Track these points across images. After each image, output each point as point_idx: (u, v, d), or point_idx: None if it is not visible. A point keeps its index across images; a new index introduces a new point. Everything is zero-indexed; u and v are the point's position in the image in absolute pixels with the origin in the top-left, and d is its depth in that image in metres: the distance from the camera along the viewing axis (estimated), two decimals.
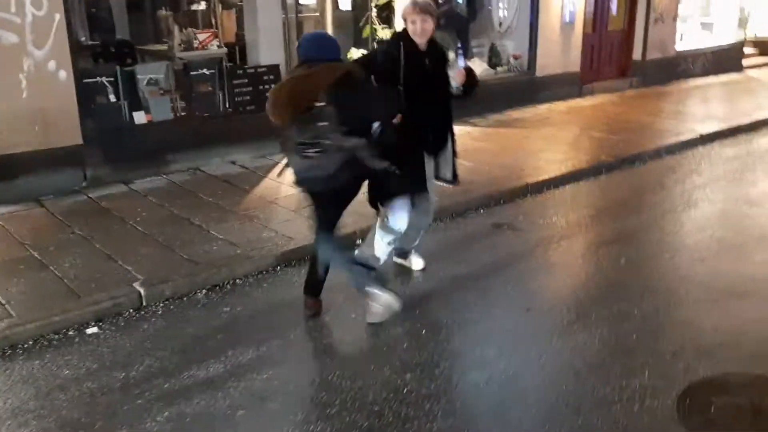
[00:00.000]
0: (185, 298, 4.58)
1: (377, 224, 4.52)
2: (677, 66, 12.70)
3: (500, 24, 10.77)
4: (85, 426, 3.30)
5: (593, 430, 3.25)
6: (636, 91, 11.76)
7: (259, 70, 7.38)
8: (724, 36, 13.82)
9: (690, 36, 13.28)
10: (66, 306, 4.30)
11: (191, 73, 7.26)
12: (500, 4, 10.82)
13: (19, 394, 3.55)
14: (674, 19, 12.47)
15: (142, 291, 4.50)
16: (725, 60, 13.63)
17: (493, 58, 10.66)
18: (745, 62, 14.20)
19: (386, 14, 9.48)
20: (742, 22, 14.20)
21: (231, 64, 7.85)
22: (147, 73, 7.05)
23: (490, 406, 3.45)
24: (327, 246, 4.11)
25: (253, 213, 5.85)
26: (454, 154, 4.55)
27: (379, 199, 4.42)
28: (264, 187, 6.55)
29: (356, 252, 4.64)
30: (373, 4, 9.32)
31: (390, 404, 3.43)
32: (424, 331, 4.18)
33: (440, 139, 4.48)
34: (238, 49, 8.11)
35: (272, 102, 3.76)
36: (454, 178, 4.60)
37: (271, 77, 7.34)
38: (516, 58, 10.68)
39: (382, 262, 4.49)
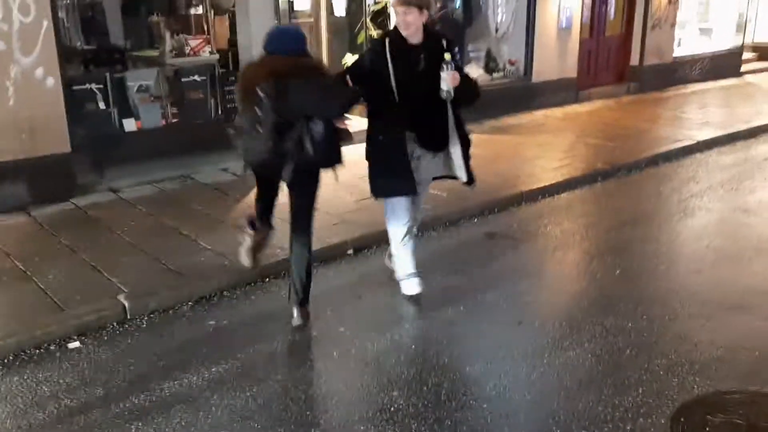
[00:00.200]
0: (170, 311, 4.49)
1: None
2: (675, 71, 12.64)
3: (496, 29, 10.70)
4: None
5: None
6: (633, 97, 11.70)
7: None
8: (722, 41, 13.77)
9: (688, 41, 13.22)
10: (48, 319, 4.21)
11: (183, 79, 7.19)
12: (497, 9, 10.76)
13: None
14: (672, 24, 12.42)
15: (126, 304, 4.41)
16: (724, 65, 13.58)
17: (489, 64, 10.59)
18: (744, 67, 14.15)
19: (381, 20, 9.41)
20: (741, 28, 14.14)
21: (224, 70, 7.77)
22: (137, 79, 6.98)
23: (478, 425, 3.35)
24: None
25: (243, 222, 5.74)
26: (466, 154, 4.42)
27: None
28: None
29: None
30: (369, 10, 9.25)
31: (375, 423, 3.34)
32: (413, 346, 4.10)
33: (438, 138, 4.32)
34: (230, 55, 8.03)
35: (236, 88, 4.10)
36: (470, 180, 4.48)
37: None
38: (512, 63, 10.62)
39: (397, 257, 4.60)
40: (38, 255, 5.08)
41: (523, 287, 4.87)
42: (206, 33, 7.90)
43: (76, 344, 4.10)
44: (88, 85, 6.52)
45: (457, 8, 10.32)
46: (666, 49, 12.42)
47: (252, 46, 7.37)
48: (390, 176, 4.27)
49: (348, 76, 4.23)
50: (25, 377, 3.76)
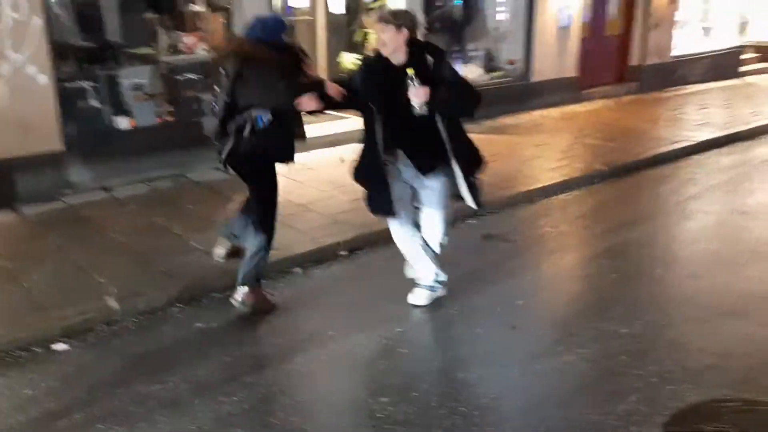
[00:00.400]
0: (159, 312, 4.43)
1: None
2: (675, 71, 12.55)
3: (496, 28, 10.63)
4: None
5: None
6: (633, 97, 11.61)
7: None
8: (723, 41, 13.67)
9: (688, 41, 13.12)
10: (33, 321, 4.15)
11: (177, 77, 7.11)
12: (496, 8, 10.68)
13: None
14: (672, 24, 12.33)
15: (114, 305, 4.35)
16: (724, 65, 13.47)
17: (488, 63, 10.52)
18: (745, 68, 14.04)
19: None
20: (742, 27, 14.04)
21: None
22: (131, 77, 6.90)
23: None
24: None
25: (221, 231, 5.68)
26: (467, 177, 4.11)
27: None
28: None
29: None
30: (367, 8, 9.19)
31: (363, 430, 3.28)
32: (404, 350, 4.03)
33: (426, 158, 4.08)
34: None
35: None
36: (477, 203, 4.21)
37: None
38: (511, 63, 10.53)
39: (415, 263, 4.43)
40: (25, 254, 5.03)
41: (518, 290, 4.80)
42: (201, 30, 7.81)
43: (61, 346, 4.04)
44: (80, 83, 6.45)
45: (456, 5, 10.25)
46: (666, 48, 12.33)
47: None
48: (371, 193, 4.23)
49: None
50: (9, 379, 3.71)
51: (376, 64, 4.03)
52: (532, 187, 6.90)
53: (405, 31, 3.84)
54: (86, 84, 6.50)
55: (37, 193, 6.02)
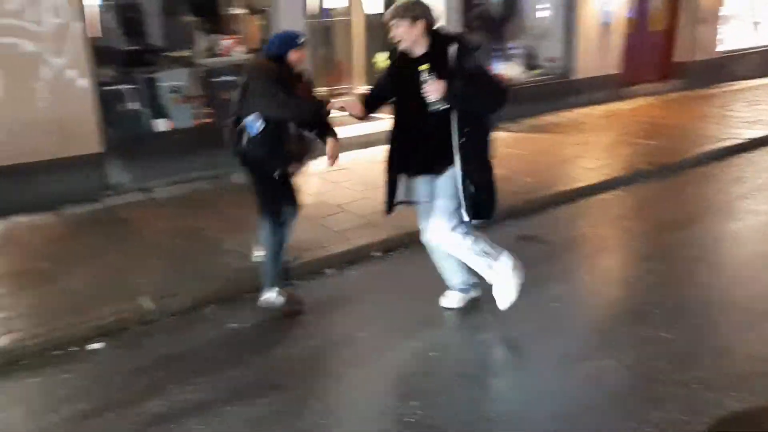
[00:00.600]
0: (193, 313, 4.46)
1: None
2: (722, 67, 12.17)
3: (536, 25, 10.47)
4: None
5: None
6: (678, 94, 11.31)
7: None
8: None
9: (736, 36, 12.72)
10: (70, 320, 4.21)
11: (214, 79, 7.17)
12: (536, 5, 10.52)
13: (13, 414, 3.46)
14: (718, 18, 11.96)
15: (149, 305, 4.39)
16: None
17: (529, 61, 10.37)
18: None
19: None
20: None
21: None
22: (169, 80, 7.00)
23: None
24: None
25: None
26: (467, 181, 3.83)
27: None
28: None
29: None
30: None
31: None
32: (434, 353, 3.95)
33: (427, 160, 3.92)
34: None
35: None
36: (474, 214, 3.90)
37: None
38: (552, 60, 10.36)
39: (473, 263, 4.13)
40: (64, 255, 5.11)
41: (554, 293, 4.67)
42: (239, 33, 7.87)
43: (97, 345, 4.09)
44: (120, 86, 6.56)
45: (496, 2, 10.12)
46: (712, 44, 11.97)
47: None
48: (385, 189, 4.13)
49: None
50: (45, 379, 3.76)
51: (397, 59, 3.96)
52: (571, 187, 6.76)
53: (420, 23, 3.71)
54: (125, 87, 6.60)
55: (78, 194, 6.14)
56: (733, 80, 12.27)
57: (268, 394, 3.57)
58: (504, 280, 4.07)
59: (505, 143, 8.13)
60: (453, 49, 3.68)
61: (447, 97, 3.65)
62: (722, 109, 10.37)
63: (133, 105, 6.67)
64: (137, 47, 6.88)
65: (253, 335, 4.23)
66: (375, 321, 4.34)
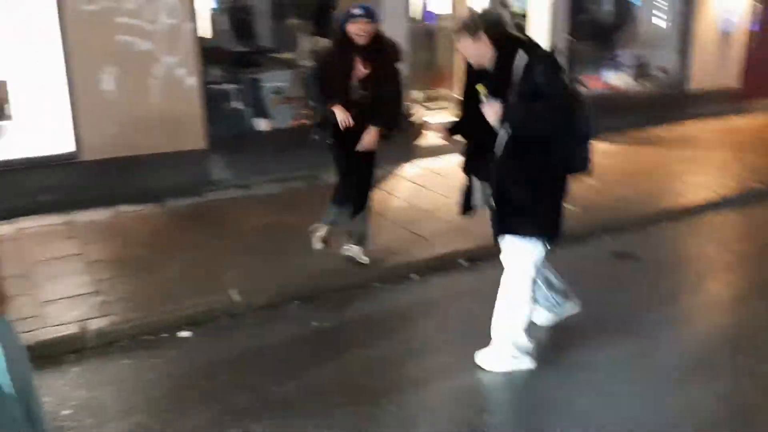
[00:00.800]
0: (278, 308, 4.55)
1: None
2: None
3: (649, 34, 10.04)
4: None
5: None
6: None
7: None
8: None
9: None
10: (163, 308, 4.40)
11: None
12: (650, 13, 10.10)
13: (104, 392, 3.64)
14: None
15: (237, 298, 4.53)
16: None
17: (639, 71, 9.96)
18: None
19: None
20: None
21: None
22: (272, 81, 7.20)
23: None
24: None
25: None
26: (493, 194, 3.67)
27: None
28: (378, 199, 6.43)
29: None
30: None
31: None
32: (517, 372, 3.84)
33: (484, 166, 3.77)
34: None
35: None
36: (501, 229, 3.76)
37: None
38: (663, 71, 9.90)
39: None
40: (163, 245, 5.35)
41: (647, 317, 4.43)
42: None
43: (186, 333, 4.25)
44: (225, 85, 6.81)
45: (605, 10, 9.81)
46: None
47: None
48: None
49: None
50: (136, 361, 3.95)
51: (468, 70, 3.76)
52: (675, 204, 6.44)
53: (483, 36, 3.42)
54: (230, 86, 6.84)
55: (181, 188, 6.42)
56: None
57: (346, 392, 3.60)
58: (512, 354, 3.80)
59: (608, 155, 7.84)
60: (520, 62, 3.35)
61: (502, 123, 3.42)
62: None
63: (237, 104, 6.91)
64: (244, 48, 7.12)
65: (334, 334, 4.27)
66: (457, 329, 4.28)
